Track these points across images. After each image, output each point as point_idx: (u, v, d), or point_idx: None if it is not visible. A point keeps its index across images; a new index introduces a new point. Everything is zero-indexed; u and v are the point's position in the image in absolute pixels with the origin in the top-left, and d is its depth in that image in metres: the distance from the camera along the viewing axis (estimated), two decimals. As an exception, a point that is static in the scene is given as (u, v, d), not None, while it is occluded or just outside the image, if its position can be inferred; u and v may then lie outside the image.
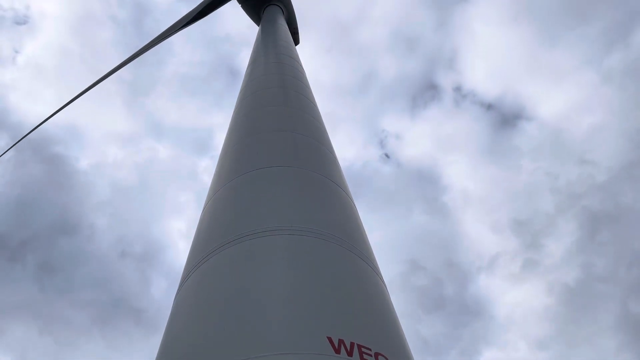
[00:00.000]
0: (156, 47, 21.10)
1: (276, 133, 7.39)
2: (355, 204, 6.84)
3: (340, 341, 3.54)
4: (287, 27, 18.33)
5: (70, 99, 21.13)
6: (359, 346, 3.57)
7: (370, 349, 3.60)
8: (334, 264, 4.71)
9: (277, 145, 6.98)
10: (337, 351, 3.45)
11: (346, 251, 4.95)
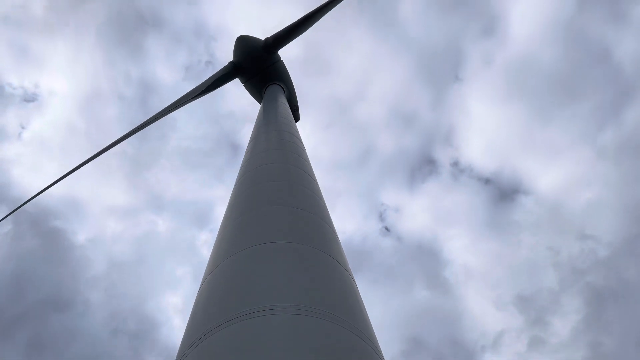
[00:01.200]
0: (160, 121, 21.66)
1: (276, 208, 7.40)
2: (356, 278, 6.72)
3: None
4: (287, 104, 18.90)
5: (69, 170, 21.37)
6: None
7: None
8: (334, 344, 4.54)
9: (276, 221, 6.96)
10: None
11: (346, 331, 4.79)
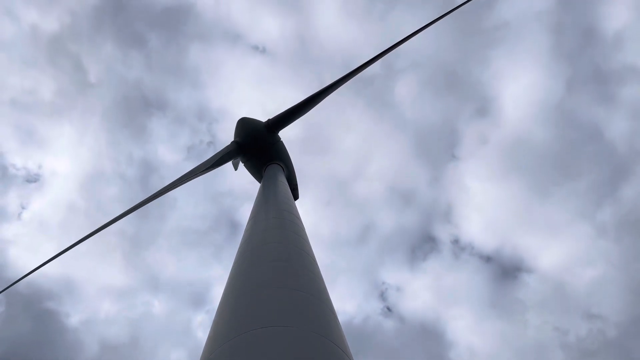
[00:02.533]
0: (161, 200, 21.78)
1: (275, 290, 7.26)
2: (358, 362, 6.47)
3: None
4: (287, 183, 19.10)
5: (65, 248, 21.15)
6: None
7: None
8: None
9: (275, 304, 6.81)
10: None
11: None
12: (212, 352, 6.13)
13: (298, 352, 5.67)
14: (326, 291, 8.34)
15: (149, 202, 21.50)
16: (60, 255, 21.44)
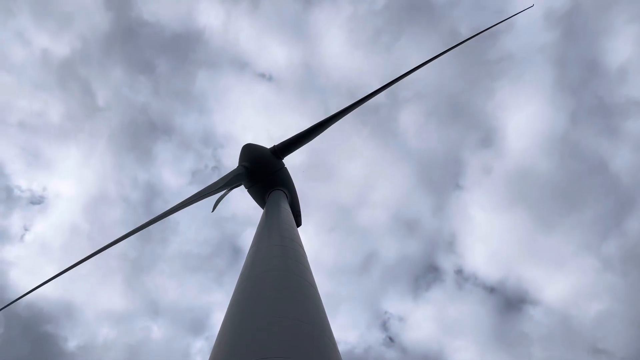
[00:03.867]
0: (163, 224, 21.77)
1: (275, 320, 7.16)
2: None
3: None
4: (290, 210, 19.06)
5: (65, 268, 21.02)
6: None
7: None
8: None
9: (275, 334, 6.70)
10: None
11: None
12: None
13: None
14: (327, 321, 8.22)
15: (153, 223, 21.45)
16: (61, 275, 21.30)
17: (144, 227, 21.42)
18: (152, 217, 21.72)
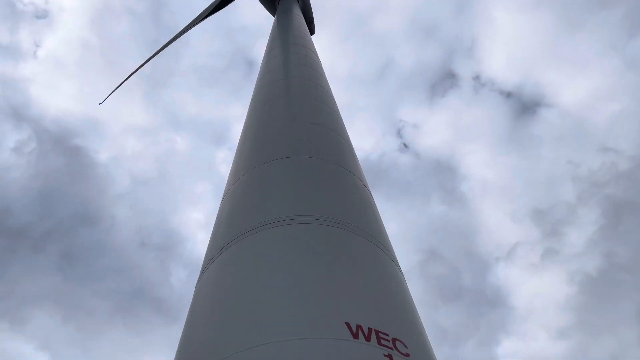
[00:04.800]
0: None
1: (292, 124, 7.45)
2: (373, 194, 6.88)
3: (358, 327, 3.60)
4: (302, 17, 18.30)
5: (130, 73, 21.57)
6: (377, 332, 3.63)
7: (387, 335, 3.66)
8: (352, 251, 4.77)
9: (292, 136, 7.03)
10: (355, 336, 3.51)
11: (363, 239, 5.00)
12: (236, 180, 6.53)
13: (316, 178, 6.02)
14: (343, 124, 8.53)
15: (169, 44, 21.19)
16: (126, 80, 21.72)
17: (163, 49, 21.15)
18: (167, 41, 21.30)
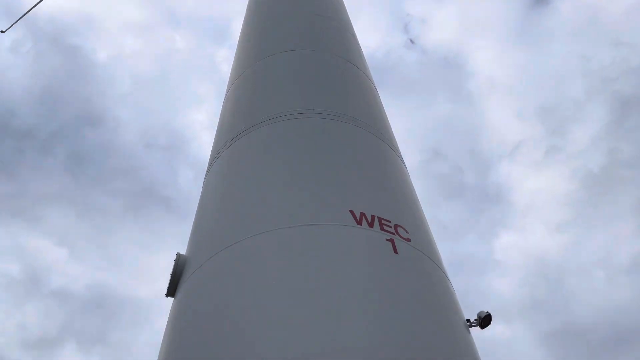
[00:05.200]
0: None
1: (294, 16, 7.17)
2: (378, 92, 6.80)
3: (362, 214, 3.74)
4: None
5: None
6: (380, 219, 3.77)
7: (390, 221, 3.81)
8: (357, 144, 4.83)
9: (296, 29, 6.81)
10: (359, 223, 3.66)
11: (367, 133, 5.04)
12: (238, 76, 6.43)
13: (320, 73, 5.91)
14: (347, 16, 8.22)
15: None
16: None
17: None
18: None
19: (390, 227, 3.76)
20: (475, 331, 3.92)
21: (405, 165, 5.47)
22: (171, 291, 4.12)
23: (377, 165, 4.72)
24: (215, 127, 6.36)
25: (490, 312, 3.93)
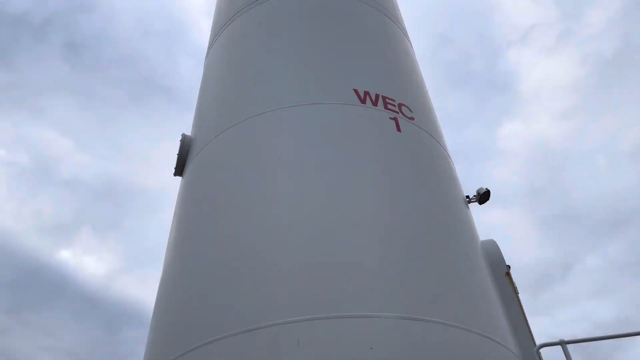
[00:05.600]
0: None
1: None
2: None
3: (366, 93, 3.71)
4: None
5: None
6: (384, 97, 3.75)
7: (394, 100, 3.79)
8: (362, 21, 4.65)
9: None
10: (363, 101, 3.64)
11: (373, 9, 4.83)
12: None
13: None
14: None
15: None
16: None
17: None
18: None
19: (395, 105, 3.75)
20: (474, 207, 4.06)
21: (411, 44, 5.31)
22: (179, 170, 4.22)
23: (383, 43, 4.58)
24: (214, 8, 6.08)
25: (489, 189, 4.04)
